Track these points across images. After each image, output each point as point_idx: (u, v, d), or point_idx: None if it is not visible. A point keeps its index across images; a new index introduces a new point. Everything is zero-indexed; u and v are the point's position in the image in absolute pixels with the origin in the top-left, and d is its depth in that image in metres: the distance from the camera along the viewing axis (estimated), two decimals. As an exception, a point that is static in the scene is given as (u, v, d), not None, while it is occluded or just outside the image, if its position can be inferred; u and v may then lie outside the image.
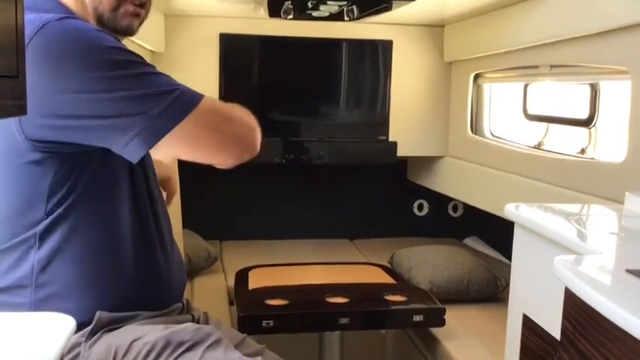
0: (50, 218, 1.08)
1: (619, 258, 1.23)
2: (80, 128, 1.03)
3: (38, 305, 1.08)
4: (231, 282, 2.68)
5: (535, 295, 1.59)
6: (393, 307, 2.33)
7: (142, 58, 1.11)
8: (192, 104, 1.07)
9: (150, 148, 1.05)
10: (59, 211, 1.08)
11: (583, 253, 1.27)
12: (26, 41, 0.96)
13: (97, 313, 1.09)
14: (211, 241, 3.23)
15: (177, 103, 1.05)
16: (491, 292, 2.72)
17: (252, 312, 2.20)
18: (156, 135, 1.04)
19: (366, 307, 2.33)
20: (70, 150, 1.07)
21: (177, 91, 1.07)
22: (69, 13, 1.13)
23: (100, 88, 1.02)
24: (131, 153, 1.05)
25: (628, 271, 1.07)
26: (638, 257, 1.25)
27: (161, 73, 1.11)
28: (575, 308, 1.08)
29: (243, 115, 1.22)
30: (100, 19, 1.19)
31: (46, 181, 1.07)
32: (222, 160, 1.18)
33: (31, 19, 1.01)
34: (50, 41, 1.00)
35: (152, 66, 1.12)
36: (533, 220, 1.59)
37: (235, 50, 3.19)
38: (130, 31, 1.24)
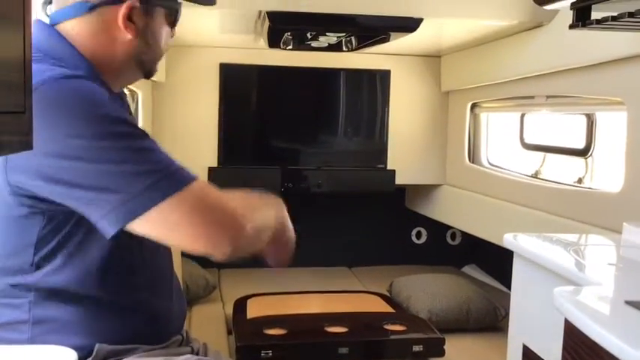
0: (42, 265, 1.07)
1: (618, 289, 1.23)
2: (57, 193, 1.01)
3: (35, 341, 1.07)
4: (230, 311, 2.67)
5: (535, 326, 1.59)
6: (392, 337, 2.32)
7: (138, 128, 1.06)
8: (176, 187, 1.00)
9: (123, 226, 0.99)
10: (50, 257, 1.06)
11: (582, 284, 1.27)
12: None
13: (97, 346, 1.09)
14: (210, 269, 3.22)
15: (161, 184, 0.99)
16: (490, 321, 2.71)
17: (250, 342, 2.18)
18: (129, 214, 0.98)
19: (365, 337, 2.32)
20: (55, 207, 1.05)
21: (164, 172, 1.01)
22: (84, 63, 1.11)
23: (83, 157, 0.98)
24: (104, 228, 1.00)
25: (627, 302, 1.07)
26: (636, 288, 1.25)
27: (153, 149, 1.04)
28: (574, 339, 1.08)
29: (239, 206, 1.12)
30: (140, 64, 1.18)
31: (34, 234, 1.05)
32: (200, 250, 1.05)
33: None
34: (44, 101, 0.97)
35: (146, 137, 1.05)
36: (532, 250, 1.59)
37: (235, 80, 3.22)
38: (154, 74, 1.26)
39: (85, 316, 1.04)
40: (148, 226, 1.00)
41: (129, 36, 1.13)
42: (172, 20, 1.21)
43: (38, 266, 1.07)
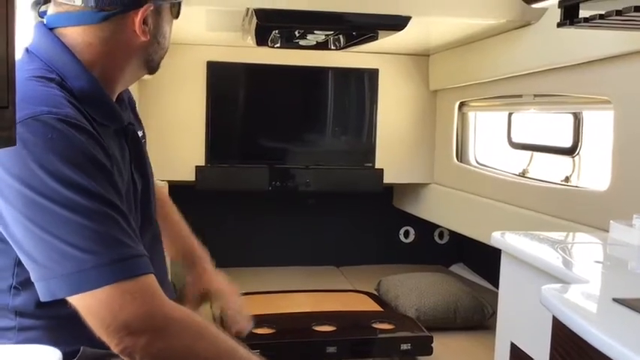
0: (22, 289, 1.02)
1: (605, 287, 1.24)
2: (6, 235, 0.97)
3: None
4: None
5: (523, 324, 1.59)
6: (380, 336, 2.32)
7: (101, 198, 0.95)
8: (107, 279, 0.92)
9: (50, 299, 0.94)
10: (28, 278, 1.00)
11: (570, 282, 1.27)
12: None
13: (82, 348, 1.07)
14: (197, 268, 3.20)
15: (92, 271, 0.92)
16: (478, 319, 2.72)
17: (238, 341, 2.17)
18: (53, 293, 0.93)
19: (353, 336, 2.32)
20: None
21: (102, 258, 0.93)
22: (86, 75, 1.06)
23: (24, 211, 0.92)
24: (38, 291, 0.95)
25: (614, 300, 1.08)
26: (623, 286, 1.26)
27: (101, 230, 0.94)
28: (563, 337, 1.08)
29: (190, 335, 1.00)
30: (148, 62, 1.14)
31: (11, 258, 1.00)
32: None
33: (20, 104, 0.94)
34: (19, 141, 0.89)
35: (106, 214, 0.95)
36: (519, 248, 1.60)
37: (222, 78, 3.20)
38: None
39: (72, 324, 1.02)
40: (72, 302, 0.95)
41: (143, 39, 1.09)
42: (176, 13, 1.18)
43: (18, 289, 1.02)
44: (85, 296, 0.93)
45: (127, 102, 1.24)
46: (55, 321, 1.04)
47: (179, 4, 1.17)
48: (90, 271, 0.92)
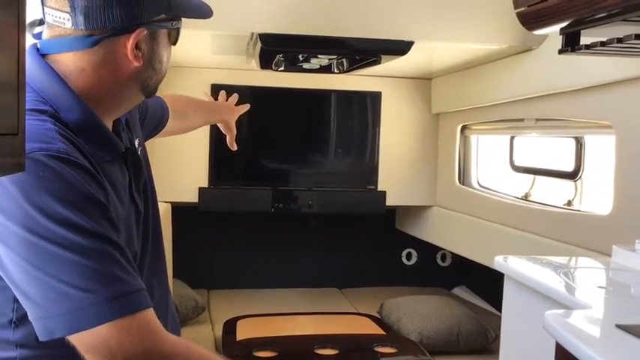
0: (22, 323, 1.00)
1: (608, 312, 1.24)
2: (2, 273, 0.96)
3: None
4: (219, 332, 2.65)
5: (526, 348, 1.59)
6: (382, 360, 2.31)
7: (97, 235, 0.94)
8: (97, 319, 0.90)
9: (48, 338, 0.92)
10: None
11: (573, 307, 1.27)
12: None
13: None
14: (199, 290, 3.20)
15: (88, 310, 0.90)
16: (481, 343, 2.70)
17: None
18: (49, 332, 0.92)
19: (355, 360, 2.31)
20: None
21: (99, 295, 0.91)
22: (79, 105, 1.03)
23: (20, 252, 0.90)
24: (36, 330, 0.94)
25: (618, 326, 1.08)
26: (626, 312, 1.26)
27: (98, 269, 0.92)
28: (566, 363, 1.08)
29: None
30: (144, 88, 1.11)
31: (11, 293, 0.97)
32: None
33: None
34: (10, 180, 0.89)
35: (109, 242, 0.95)
36: (522, 272, 1.60)
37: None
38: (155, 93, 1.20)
39: (74, 356, 1.01)
40: (70, 340, 0.93)
41: (136, 64, 1.05)
42: (174, 39, 1.14)
43: (17, 324, 1.00)
44: (82, 335, 0.92)
45: (124, 122, 1.20)
46: (57, 352, 1.03)
47: (177, 29, 1.14)
48: (87, 310, 0.91)
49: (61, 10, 1.00)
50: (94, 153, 1.02)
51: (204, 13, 1.18)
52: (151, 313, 0.97)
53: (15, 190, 0.90)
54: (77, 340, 0.93)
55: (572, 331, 1.09)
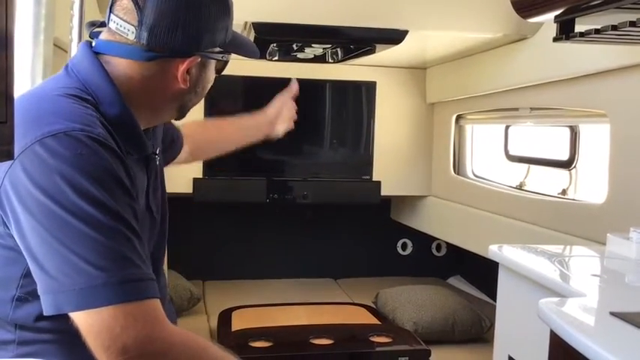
0: (25, 301, 1.02)
1: (603, 300, 1.24)
2: (21, 244, 0.97)
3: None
4: (214, 323, 2.65)
5: (520, 337, 1.59)
6: (378, 349, 2.31)
7: (122, 218, 0.96)
8: (120, 297, 0.93)
9: (55, 313, 0.94)
10: (34, 293, 0.99)
11: (567, 295, 1.27)
12: (17, 148, 0.90)
13: None
14: (194, 281, 3.19)
15: (104, 289, 0.92)
16: (475, 332, 2.71)
17: (236, 356, 2.16)
18: (62, 306, 0.93)
19: (351, 349, 2.31)
20: None
21: (113, 276, 0.93)
22: (120, 103, 1.06)
23: (45, 223, 0.93)
24: (43, 303, 0.95)
25: (612, 313, 1.08)
26: (621, 299, 1.26)
27: (119, 249, 0.95)
28: (560, 351, 1.08)
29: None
30: (181, 109, 1.15)
31: (20, 269, 1.00)
32: None
33: (38, 122, 0.95)
34: (49, 153, 0.93)
35: (122, 233, 0.96)
36: (517, 261, 1.60)
37: (220, 90, 3.19)
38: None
39: (72, 341, 1.01)
40: (75, 319, 0.95)
41: (182, 87, 1.10)
42: (220, 70, 1.18)
43: (20, 301, 1.01)
44: (89, 314, 0.93)
45: (151, 130, 1.23)
46: (55, 337, 1.03)
47: (225, 62, 1.17)
48: (99, 288, 0.92)
49: (127, 22, 1.06)
50: (125, 149, 1.06)
51: (254, 54, 1.22)
52: (157, 303, 0.99)
53: (51, 164, 0.93)
54: (82, 318, 0.94)
55: (566, 319, 1.09)
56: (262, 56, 2.68)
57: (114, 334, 0.93)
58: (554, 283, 1.38)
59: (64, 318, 0.95)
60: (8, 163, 0.93)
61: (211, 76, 1.16)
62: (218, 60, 1.14)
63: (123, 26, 1.06)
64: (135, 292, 0.95)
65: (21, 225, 0.95)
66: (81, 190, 0.93)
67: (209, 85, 1.17)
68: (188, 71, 1.10)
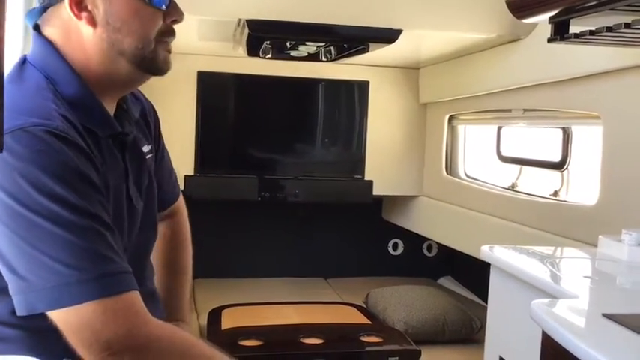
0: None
1: (595, 302, 1.24)
2: None
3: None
4: (204, 321, 2.63)
5: (511, 338, 1.59)
6: (368, 349, 2.31)
7: (85, 213, 0.93)
8: (83, 296, 0.90)
9: (27, 313, 0.92)
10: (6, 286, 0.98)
11: (559, 296, 1.27)
12: None
13: None
14: (184, 278, 3.17)
15: (73, 286, 0.89)
16: (466, 333, 2.71)
17: (224, 353, 2.15)
18: (34, 305, 0.91)
19: (341, 349, 2.30)
20: None
21: (86, 274, 0.90)
22: (75, 78, 1.03)
23: (8, 223, 0.90)
24: (16, 305, 0.93)
25: (604, 315, 1.07)
26: (613, 301, 1.26)
27: (86, 246, 0.92)
28: (552, 352, 1.07)
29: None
30: (127, 57, 1.05)
31: None
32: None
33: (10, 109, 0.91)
34: (7, 152, 0.90)
35: (99, 221, 0.94)
36: (508, 262, 1.60)
37: (213, 88, 3.19)
38: (165, 72, 1.13)
39: (52, 336, 0.99)
40: (52, 317, 0.92)
41: (88, 26, 1.02)
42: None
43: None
44: (66, 312, 0.91)
45: (131, 112, 1.18)
46: (35, 332, 1.01)
47: None
48: (73, 286, 0.90)
49: None
50: (90, 129, 1.02)
51: None
52: (136, 296, 0.96)
53: (10, 163, 0.90)
54: (59, 317, 0.92)
55: (559, 320, 1.09)
56: (255, 54, 2.67)
57: (95, 330, 0.91)
58: (546, 284, 1.38)
59: (43, 315, 0.93)
60: None
61: (129, 7, 1.03)
62: None
63: None
64: (111, 286, 0.93)
65: None
66: (43, 189, 0.90)
67: (142, 21, 1.04)
68: (82, 7, 1.01)
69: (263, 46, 2.58)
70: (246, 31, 2.28)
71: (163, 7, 1.06)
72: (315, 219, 3.71)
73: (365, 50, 2.61)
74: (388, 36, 2.36)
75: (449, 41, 2.62)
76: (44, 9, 1.04)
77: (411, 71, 3.37)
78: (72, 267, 0.90)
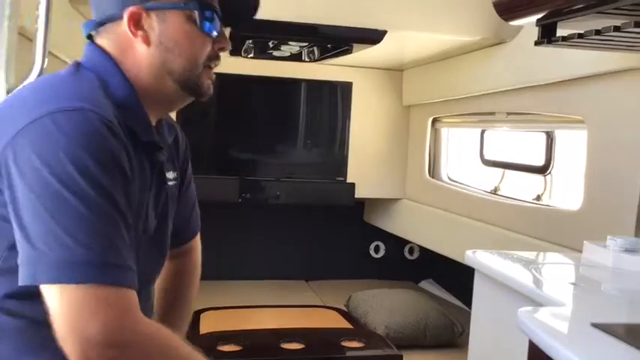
0: (9, 272, 0.98)
1: (582, 310, 1.21)
2: (12, 212, 0.95)
3: None
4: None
5: (496, 345, 1.57)
6: (349, 354, 2.28)
7: (113, 200, 0.95)
8: (95, 278, 0.91)
9: (30, 283, 0.92)
10: (9, 267, 0.97)
11: (545, 304, 1.25)
12: (19, 123, 0.93)
13: None
14: (162, 281, 3.12)
15: (85, 266, 0.90)
16: (448, 337, 2.69)
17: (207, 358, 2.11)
18: (36, 278, 0.91)
19: (322, 354, 2.27)
20: None
21: (95, 256, 0.91)
22: (126, 84, 1.09)
23: (36, 189, 0.92)
24: (20, 274, 0.93)
25: (593, 324, 1.05)
26: (600, 309, 1.24)
27: (105, 232, 0.94)
28: (540, 362, 1.05)
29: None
30: (174, 77, 1.11)
31: (3, 240, 0.97)
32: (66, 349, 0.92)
33: (37, 99, 0.98)
34: (57, 128, 0.93)
35: (111, 216, 0.95)
36: (494, 267, 1.57)
37: (193, 87, 3.13)
38: (206, 96, 1.18)
39: (36, 328, 0.98)
40: (47, 295, 0.92)
41: (142, 44, 1.09)
42: (201, 22, 1.10)
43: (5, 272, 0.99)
44: (62, 289, 0.90)
45: (165, 137, 1.23)
46: (18, 321, 1.00)
47: (200, 11, 1.10)
48: (78, 265, 0.91)
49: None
50: (132, 131, 1.06)
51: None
52: (134, 295, 0.96)
53: (57, 139, 0.93)
54: (54, 295, 0.91)
55: (547, 329, 1.06)
56: (237, 53, 2.63)
57: (84, 318, 0.90)
58: (532, 290, 1.36)
59: (32, 300, 0.94)
60: (13, 130, 0.95)
61: (182, 30, 1.10)
62: (173, 9, 1.09)
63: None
64: (114, 277, 0.93)
65: (15, 191, 0.94)
66: (80, 167, 0.93)
67: (193, 44, 1.11)
68: (140, 27, 1.08)
69: (245, 45, 2.54)
70: (229, 29, 2.23)
71: (214, 34, 1.13)
72: (297, 221, 3.67)
73: (349, 51, 2.59)
74: (373, 37, 2.34)
75: (433, 43, 2.60)
76: (100, 23, 1.11)
77: (395, 73, 3.35)
78: (82, 245, 0.91)
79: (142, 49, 1.10)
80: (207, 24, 1.11)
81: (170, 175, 1.24)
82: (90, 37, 1.14)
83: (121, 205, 0.98)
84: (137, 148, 1.07)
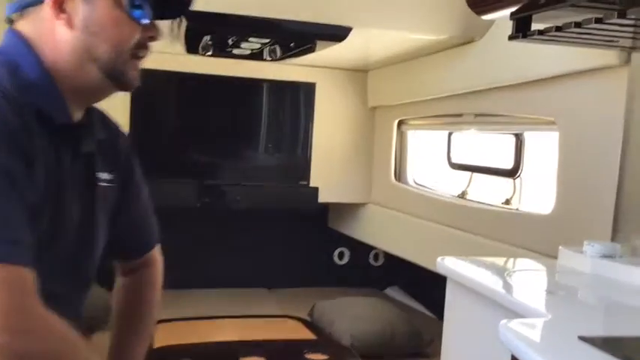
0: None
1: (567, 322, 1.12)
2: None
3: None
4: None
5: (469, 353, 1.48)
6: (313, 367, 2.17)
7: (8, 178, 0.90)
8: None
9: None
10: None
11: (524, 314, 1.17)
12: None
13: None
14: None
15: None
16: (415, 346, 2.61)
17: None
18: None
19: (284, 368, 2.16)
20: None
21: None
22: (39, 69, 1.02)
23: None
24: None
25: (580, 338, 0.97)
26: (585, 320, 1.16)
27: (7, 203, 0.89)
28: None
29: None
30: (97, 63, 1.04)
31: None
32: None
33: None
34: None
35: (13, 183, 0.91)
36: (467, 275, 1.49)
37: (148, 86, 2.94)
38: (131, 88, 1.11)
39: None
40: None
41: (65, 28, 1.02)
42: (130, 8, 1.04)
43: None
44: None
45: (95, 130, 1.15)
46: None
47: None
48: None
49: None
50: (43, 116, 1.00)
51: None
52: (31, 274, 0.88)
53: None
54: None
55: (530, 343, 0.98)
56: (195, 50, 2.51)
57: None
58: (510, 301, 1.27)
59: None
60: None
61: (109, 15, 1.03)
62: None
63: None
64: (8, 253, 0.86)
65: None
66: None
67: (121, 30, 1.04)
68: (62, 9, 1.01)
69: (203, 42, 2.43)
70: (185, 23, 2.11)
71: (143, 21, 1.07)
72: (258, 227, 3.55)
73: (312, 49, 2.50)
74: (337, 33, 2.26)
75: (399, 42, 2.52)
76: (22, 7, 1.05)
77: (360, 74, 3.27)
78: None
79: (63, 33, 1.03)
80: (137, 10, 1.05)
81: (104, 175, 1.16)
82: (10, 21, 1.08)
83: (17, 177, 0.92)
84: (53, 135, 1.00)
